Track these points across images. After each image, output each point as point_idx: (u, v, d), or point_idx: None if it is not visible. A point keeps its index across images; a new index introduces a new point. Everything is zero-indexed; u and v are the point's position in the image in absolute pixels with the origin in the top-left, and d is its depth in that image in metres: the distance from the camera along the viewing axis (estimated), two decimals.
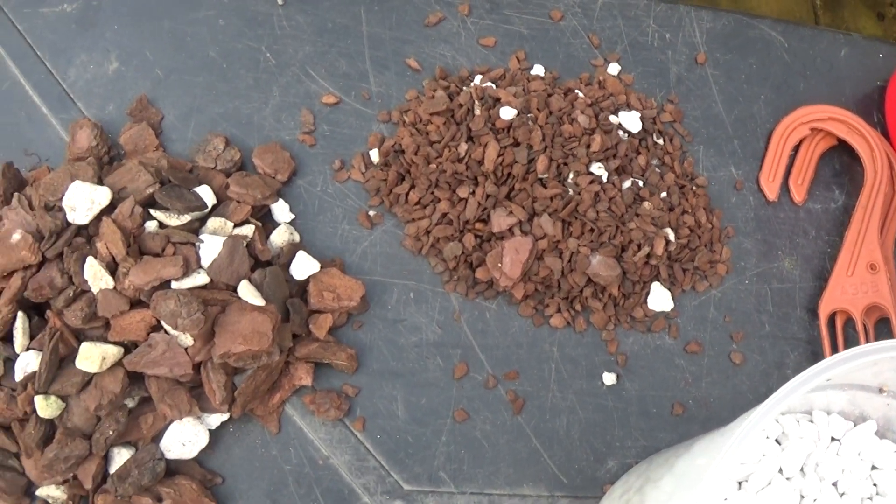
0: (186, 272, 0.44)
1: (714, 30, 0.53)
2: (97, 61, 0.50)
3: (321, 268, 0.46)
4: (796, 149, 0.52)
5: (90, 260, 0.44)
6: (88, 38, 0.51)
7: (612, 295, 0.47)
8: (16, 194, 0.47)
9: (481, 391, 0.46)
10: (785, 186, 0.51)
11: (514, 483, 0.45)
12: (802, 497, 0.39)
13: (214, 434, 0.45)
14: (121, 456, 0.45)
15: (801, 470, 0.40)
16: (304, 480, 0.45)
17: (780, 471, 0.39)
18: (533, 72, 0.51)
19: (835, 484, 0.40)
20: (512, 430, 0.46)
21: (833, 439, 0.40)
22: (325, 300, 0.46)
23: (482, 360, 0.46)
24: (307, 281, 0.46)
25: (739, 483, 0.39)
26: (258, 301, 0.44)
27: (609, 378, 0.47)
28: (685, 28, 0.53)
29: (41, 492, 0.45)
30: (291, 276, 0.46)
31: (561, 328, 0.47)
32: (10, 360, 0.46)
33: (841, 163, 0.52)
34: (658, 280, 0.48)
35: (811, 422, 0.41)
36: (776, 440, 0.40)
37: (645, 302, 0.48)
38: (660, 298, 0.48)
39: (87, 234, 0.46)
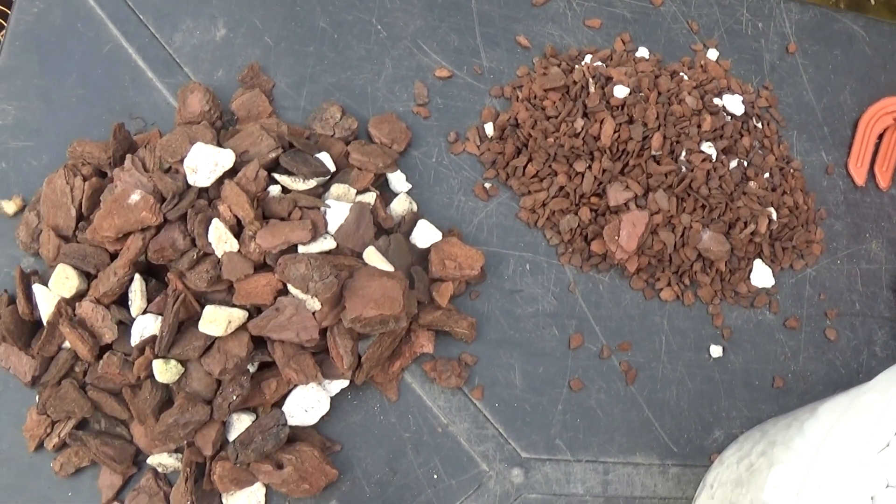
0: (314, 237, 0.44)
1: (802, 21, 0.56)
2: (204, 27, 0.50)
3: (442, 237, 0.47)
4: (881, 137, 0.55)
5: (215, 222, 0.44)
6: (193, 3, 0.50)
7: (719, 270, 0.49)
8: (128, 156, 0.46)
9: (595, 361, 0.47)
10: (871, 173, 0.54)
11: (627, 451, 0.47)
12: None
13: (333, 400, 0.45)
14: (241, 422, 0.44)
15: None
16: (422, 448, 0.45)
17: None
18: (637, 54, 0.52)
19: None
20: (625, 399, 0.47)
21: None
22: (447, 268, 0.46)
23: (596, 331, 0.48)
24: (428, 250, 0.47)
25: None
26: (386, 266, 0.44)
27: (716, 350, 0.48)
28: (776, 18, 0.55)
29: (152, 460, 0.45)
30: (413, 245, 0.47)
31: (670, 301, 0.49)
32: (124, 324, 0.45)
33: None
34: (761, 257, 0.50)
35: None
36: None
37: (748, 278, 0.50)
38: (762, 275, 0.50)
39: (208, 196, 0.46)
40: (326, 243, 0.44)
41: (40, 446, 0.44)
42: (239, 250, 0.43)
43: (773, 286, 0.49)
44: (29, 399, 0.45)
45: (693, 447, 0.46)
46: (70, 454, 0.44)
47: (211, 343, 0.43)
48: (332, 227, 0.44)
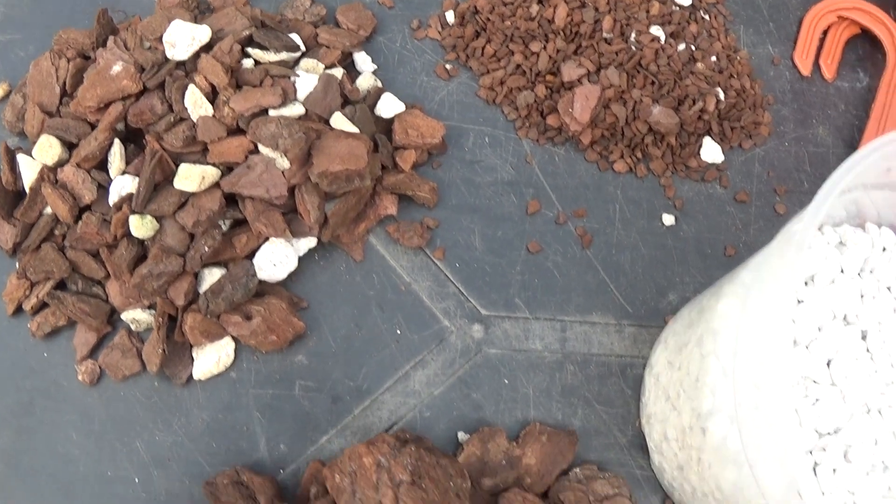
0: (284, 102, 0.48)
1: None
2: None
3: (405, 109, 0.51)
4: (825, 34, 0.59)
5: (191, 87, 0.47)
6: None
7: (669, 144, 0.52)
8: (111, 37, 0.51)
9: (552, 226, 0.51)
10: (816, 65, 0.58)
11: (583, 311, 0.50)
12: (862, 296, 0.44)
13: (301, 262, 0.48)
14: (212, 276, 0.47)
15: (859, 274, 0.45)
16: (386, 305, 0.48)
17: (842, 271, 0.44)
18: None
19: (889, 288, 0.45)
20: (581, 262, 0.50)
21: (884, 249, 0.46)
22: (410, 137, 0.50)
23: (552, 199, 0.51)
24: (392, 120, 0.51)
25: (805, 282, 0.44)
26: (352, 129, 0.48)
27: (668, 219, 0.52)
28: None
29: (126, 315, 0.47)
30: (378, 116, 0.51)
31: (624, 173, 0.52)
32: (103, 188, 0.49)
33: (864, 49, 0.59)
34: (710, 135, 0.53)
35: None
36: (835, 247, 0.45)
37: (698, 153, 0.53)
38: (711, 151, 0.53)
39: (186, 69, 0.49)
40: (296, 109, 0.47)
41: (19, 310, 0.47)
42: (213, 114, 0.47)
43: (722, 162, 0.52)
44: (10, 269, 0.48)
45: (648, 309, 0.49)
46: (47, 314, 0.47)
47: (185, 200, 0.46)
48: (302, 95, 0.48)
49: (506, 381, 0.47)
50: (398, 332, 0.47)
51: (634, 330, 0.49)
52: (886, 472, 0.40)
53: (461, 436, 0.46)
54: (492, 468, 0.46)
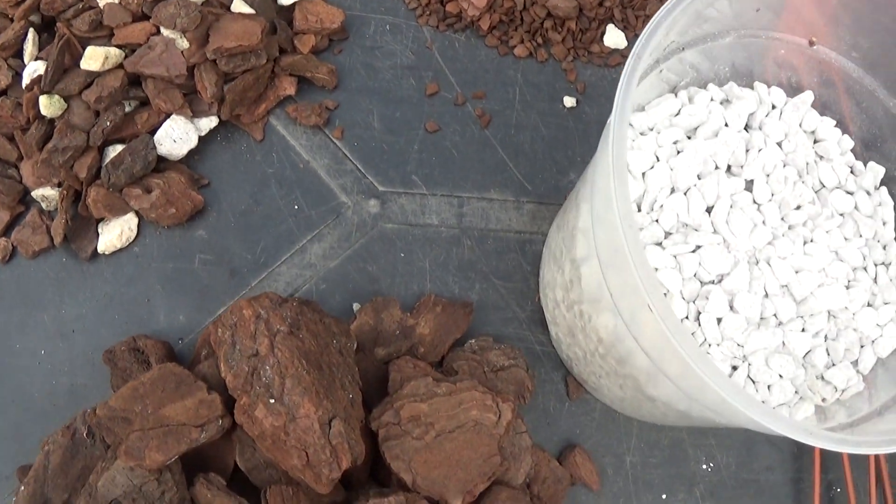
0: None
1: None
2: None
3: None
4: None
5: None
6: None
7: (570, 29, 0.53)
8: None
9: (451, 108, 0.52)
10: None
11: (481, 188, 0.50)
12: (748, 149, 0.44)
13: (203, 142, 0.49)
14: (115, 152, 0.49)
15: (747, 129, 0.45)
16: (285, 182, 0.50)
17: (726, 125, 0.45)
18: None
19: (779, 144, 0.45)
20: (480, 141, 0.51)
21: (773, 107, 0.46)
22: (309, 22, 0.52)
23: (452, 82, 0.52)
24: (293, 8, 0.53)
25: (688, 136, 0.45)
26: (248, 10, 0.50)
27: (569, 101, 0.52)
28: None
29: (36, 193, 0.50)
30: (280, 4, 0.53)
31: (524, 58, 0.53)
32: (19, 75, 0.51)
33: None
34: (613, 21, 0.54)
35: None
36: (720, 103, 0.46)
37: (601, 39, 0.54)
38: (614, 37, 0.54)
39: None
40: None
41: None
42: (119, 1, 0.49)
43: (626, 48, 0.53)
44: None
45: (548, 187, 0.50)
46: None
47: (91, 80, 0.49)
48: None
49: (402, 255, 0.48)
50: (296, 207, 0.48)
51: (533, 207, 0.50)
52: (780, 327, 0.40)
53: (356, 307, 0.47)
54: (385, 337, 0.47)
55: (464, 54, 0.52)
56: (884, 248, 0.44)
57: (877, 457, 0.52)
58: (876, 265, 0.43)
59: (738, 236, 0.40)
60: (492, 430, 0.42)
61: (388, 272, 0.48)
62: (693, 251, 0.39)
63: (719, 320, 0.39)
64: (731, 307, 0.39)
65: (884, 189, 0.44)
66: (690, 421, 0.46)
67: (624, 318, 0.37)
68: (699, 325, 0.39)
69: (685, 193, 0.40)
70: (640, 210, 0.40)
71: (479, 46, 0.52)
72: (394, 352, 0.46)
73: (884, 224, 0.44)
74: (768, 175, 0.42)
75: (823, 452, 0.51)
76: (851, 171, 0.44)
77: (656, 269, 0.39)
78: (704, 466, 0.49)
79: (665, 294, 0.39)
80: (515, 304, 0.48)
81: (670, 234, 0.40)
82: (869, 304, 0.42)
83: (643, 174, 0.41)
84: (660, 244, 0.40)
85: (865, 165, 0.44)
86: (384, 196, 0.49)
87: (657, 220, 0.40)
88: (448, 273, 0.48)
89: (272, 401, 0.40)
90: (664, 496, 0.48)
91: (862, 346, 0.42)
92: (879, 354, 0.42)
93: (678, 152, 0.42)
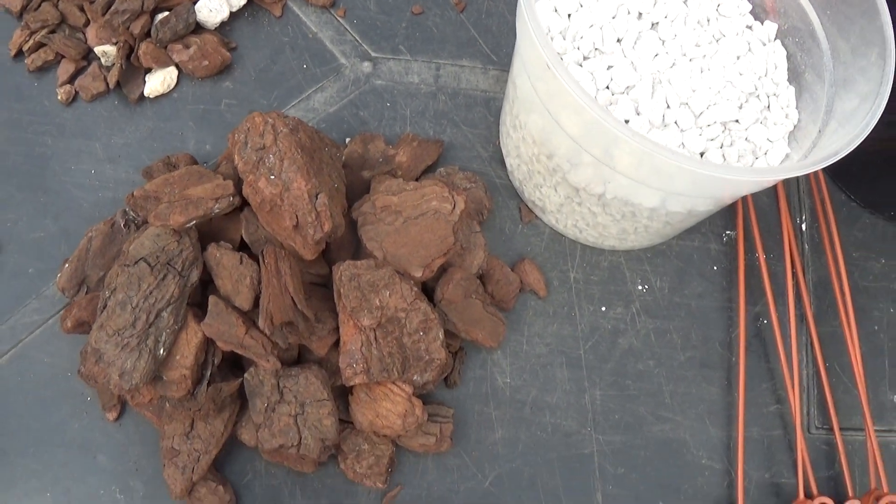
0: None
1: None
2: None
3: None
4: None
5: None
6: None
7: None
8: None
9: None
10: None
11: (456, 57, 0.63)
12: (656, 2, 0.57)
13: (233, 17, 0.64)
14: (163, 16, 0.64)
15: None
16: (297, 48, 0.63)
17: None
18: None
19: (684, 2, 0.57)
20: (456, 23, 0.64)
21: None
22: None
23: None
24: None
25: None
26: None
27: None
28: None
29: (98, 49, 0.64)
30: None
31: None
32: None
33: None
34: None
35: None
36: None
37: None
38: None
39: None
40: None
41: (19, 53, 0.64)
42: None
43: None
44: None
45: (510, 58, 0.63)
46: (40, 52, 0.64)
47: None
48: None
49: (388, 104, 0.61)
50: (304, 66, 0.62)
51: (498, 73, 0.63)
52: (682, 133, 0.52)
53: (348, 141, 0.60)
54: (370, 163, 0.59)
55: None
56: (775, 84, 0.55)
57: (797, 291, 0.62)
58: (768, 96, 0.55)
59: (643, 59, 0.52)
60: (448, 217, 0.54)
61: (376, 117, 0.61)
62: (607, 69, 0.52)
63: (627, 122, 0.51)
64: (637, 112, 0.51)
65: (778, 42, 0.57)
66: (620, 233, 0.57)
67: (551, 113, 0.50)
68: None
69: (601, 28, 0.53)
70: (564, 39, 0.53)
71: None
72: (377, 173, 0.58)
73: (776, 67, 0.56)
74: (672, 21, 0.55)
75: (749, 284, 0.61)
76: (749, 28, 0.57)
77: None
78: (640, 287, 0.59)
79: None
80: (480, 146, 0.61)
81: (588, 57, 0.53)
82: (762, 124, 0.54)
83: (569, 15, 0.54)
84: (580, 64, 0.52)
85: (763, 24, 0.57)
86: (376, 60, 0.62)
87: (578, 48, 0.53)
88: (425, 120, 0.61)
89: (272, 176, 0.52)
90: (603, 308, 0.58)
91: (756, 158, 0.53)
92: (771, 163, 0.53)
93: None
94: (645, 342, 0.58)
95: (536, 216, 0.60)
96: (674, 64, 0.53)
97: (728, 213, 0.63)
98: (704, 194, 0.51)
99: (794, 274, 0.63)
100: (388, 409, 0.52)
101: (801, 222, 0.65)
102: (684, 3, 0.56)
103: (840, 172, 0.67)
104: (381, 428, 0.52)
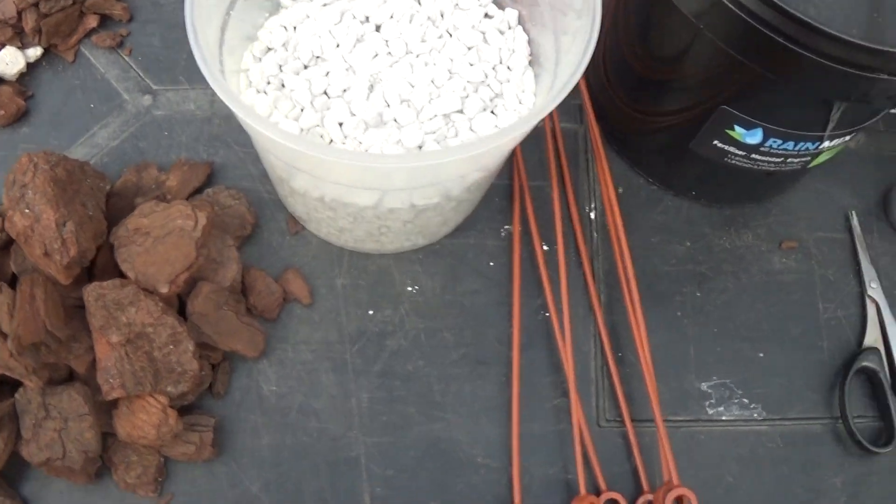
0: None
1: None
2: None
3: None
4: None
5: None
6: None
7: None
8: None
9: None
10: None
11: None
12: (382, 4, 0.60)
13: (31, 66, 0.70)
14: None
15: None
16: (87, 89, 0.68)
17: None
18: None
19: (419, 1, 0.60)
20: None
21: None
22: None
23: None
24: None
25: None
26: None
27: None
28: None
29: None
30: None
31: None
32: None
33: None
34: None
35: None
36: None
37: None
38: None
39: None
40: None
41: None
42: None
43: None
44: None
45: None
46: None
47: None
48: None
49: (166, 133, 0.66)
50: (91, 106, 0.68)
51: None
52: (400, 129, 0.55)
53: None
54: (143, 190, 0.64)
55: None
56: (510, 70, 0.58)
57: (585, 281, 0.63)
58: (501, 83, 0.57)
59: (361, 62, 0.56)
60: (191, 233, 0.58)
61: (153, 146, 0.66)
62: (325, 75, 0.56)
63: (341, 124, 0.54)
64: (352, 113, 0.55)
65: (519, 28, 0.59)
66: (366, 235, 0.59)
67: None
68: (326, 128, 0.54)
69: (320, 36, 0.57)
70: (287, 50, 0.57)
71: None
72: (148, 199, 0.63)
73: (512, 53, 0.58)
74: (399, 21, 0.58)
75: (528, 277, 0.63)
76: (487, 16, 0.60)
77: (292, 90, 0.55)
78: (410, 288, 0.62)
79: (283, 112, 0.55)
80: (251, 164, 0.65)
81: (308, 66, 0.56)
82: (493, 112, 0.56)
83: (294, 27, 0.58)
84: (297, 73, 0.56)
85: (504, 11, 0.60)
86: (156, 92, 0.68)
87: (298, 58, 0.56)
88: (199, 144, 0.65)
89: (27, 210, 0.57)
90: (371, 311, 0.61)
91: None
92: None
93: (324, 5, 0.59)
94: (414, 342, 0.61)
95: (303, 227, 0.63)
96: (396, 62, 0.57)
97: (509, 208, 0.65)
98: (422, 183, 0.53)
99: (581, 264, 0.64)
100: (143, 420, 0.56)
101: (590, 211, 0.66)
102: (418, 1, 0.60)
103: (635, 157, 0.68)
104: (138, 438, 0.56)
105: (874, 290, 0.67)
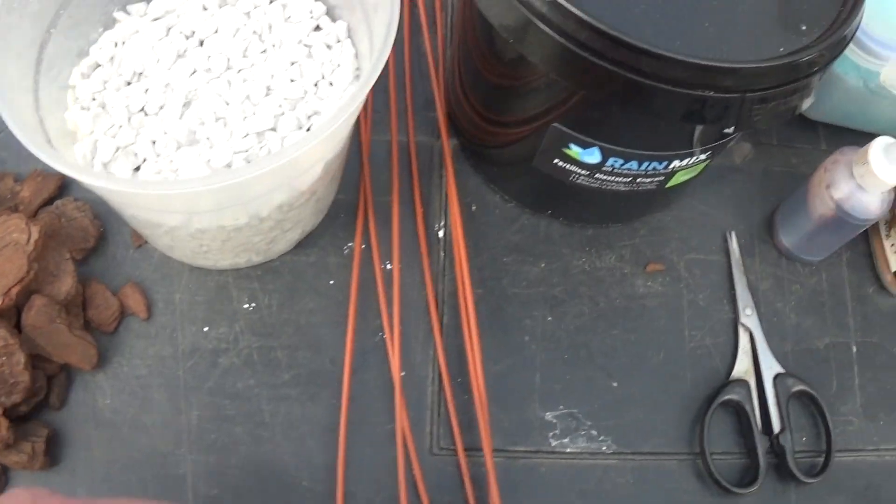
0: None
1: None
2: None
3: None
4: None
5: None
6: None
7: None
8: None
9: None
10: None
11: None
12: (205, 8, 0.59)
13: None
14: None
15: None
16: None
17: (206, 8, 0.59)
18: None
19: (248, 14, 0.59)
20: None
21: None
22: None
23: None
24: None
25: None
26: None
27: None
28: None
29: None
30: None
31: None
32: None
33: None
34: None
35: None
36: None
37: None
38: None
39: None
40: None
41: None
42: None
43: None
44: None
45: None
46: None
47: None
48: None
49: None
50: None
51: None
52: (212, 149, 0.54)
53: None
54: None
55: None
56: (331, 86, 0.56)
57: (427, 301, 0.61)
58: (321, 99, 0.56)
59: (179, 78, 0.55)
60: (24, 247, 0.59)
61: (14, 157, 0.66)
62: (145, 92, 0.55)
63: (154, 142, 0.54)
64: (164, 132, 0.54)
65: (348, 41, 0.57)
66: (193, 252, 0.59)
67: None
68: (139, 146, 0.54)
69: (144, 52, 0.56)
70: (113, 66, 0.57)
71: None
72: (2, 210, 0.64)
73: (338, 67, 0.57)
74: (222, 36, 0.57)
75: (367, 297, 0.61)
76: (318, 28, 0.58)
77: (113, 107, 0.55)
78: (246, 306, 0.62)
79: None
80: None
81: (130, 82, 0.56)
82: (308, 130, 0.55)
83: (124, 42, 0.57)
84: (118, 90, 0.56)
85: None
86: None
87: (121, 74, 0.56)
88: None
89: None
90: (206, 328, 0.61)
91: None
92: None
93: (154, 19, 0.58)
94: (247, 361, 0.60)
95: (146, 241, 0.63)
96: (215, 79, 0.56)
97: (353, 225, 0.63)
98: (226, 204, 0.53)
99: (425, 284, 0.62)
100: None
101: (439, 229, 0.64)
102: (247, 14, 0.58)
103: (490, 173, 0.65)
104: None
105: (748, 317, 0.63)
